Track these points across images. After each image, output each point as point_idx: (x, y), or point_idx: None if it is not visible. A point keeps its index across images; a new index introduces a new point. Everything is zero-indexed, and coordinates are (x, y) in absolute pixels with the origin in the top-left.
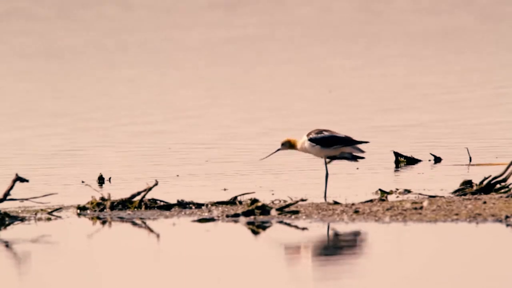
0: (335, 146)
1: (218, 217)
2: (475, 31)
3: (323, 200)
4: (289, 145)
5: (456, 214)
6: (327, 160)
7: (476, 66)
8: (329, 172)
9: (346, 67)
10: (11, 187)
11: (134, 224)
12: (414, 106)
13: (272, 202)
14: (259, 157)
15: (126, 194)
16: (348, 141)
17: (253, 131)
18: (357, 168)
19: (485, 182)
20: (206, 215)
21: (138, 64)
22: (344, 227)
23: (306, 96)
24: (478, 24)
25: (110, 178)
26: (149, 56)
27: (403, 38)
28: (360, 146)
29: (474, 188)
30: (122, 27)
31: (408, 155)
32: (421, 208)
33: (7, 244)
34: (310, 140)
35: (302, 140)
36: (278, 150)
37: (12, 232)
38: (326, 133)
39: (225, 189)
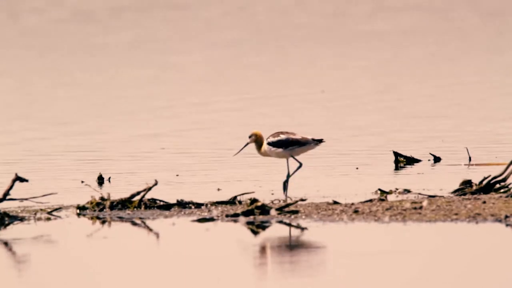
0: (291, 147)
1: (218, 216)
2: (477, 29)
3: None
4: (255, 137)
5: (456, 214)
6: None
7: (475, 66)
8: (294, 174)
9: (340, 67)
10: (11, 187)
11: (134, 223)
12: (413, 106)
13: (272, 202)
14: (233, 154)
15: (125, 194)
16: (304, 142)
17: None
18: (357, 168)
19: (484, 182)
20: (205, 214)
21: (147, 66)
22: (343, 226)
23: (302, 96)
24: (483, 22)
25: (109, 178)
26: (151, 58)
27: (400, 38)
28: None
29: (474, 188)
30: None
31: (408, 155)
32: (421, 208)
33: (7, 244)
34: (269, 143)
35: (263, 145)
36: (247, 144)
37: (12, 232)
38: (283, 136)
39: (219, 189)
